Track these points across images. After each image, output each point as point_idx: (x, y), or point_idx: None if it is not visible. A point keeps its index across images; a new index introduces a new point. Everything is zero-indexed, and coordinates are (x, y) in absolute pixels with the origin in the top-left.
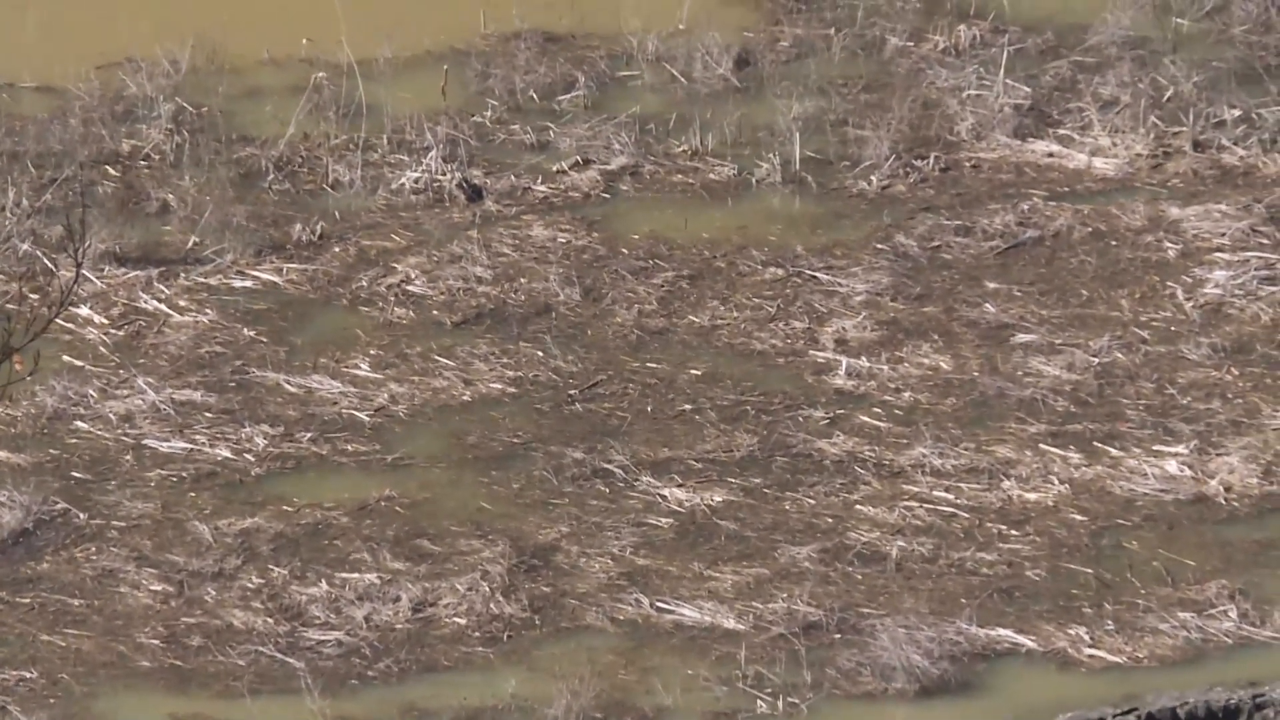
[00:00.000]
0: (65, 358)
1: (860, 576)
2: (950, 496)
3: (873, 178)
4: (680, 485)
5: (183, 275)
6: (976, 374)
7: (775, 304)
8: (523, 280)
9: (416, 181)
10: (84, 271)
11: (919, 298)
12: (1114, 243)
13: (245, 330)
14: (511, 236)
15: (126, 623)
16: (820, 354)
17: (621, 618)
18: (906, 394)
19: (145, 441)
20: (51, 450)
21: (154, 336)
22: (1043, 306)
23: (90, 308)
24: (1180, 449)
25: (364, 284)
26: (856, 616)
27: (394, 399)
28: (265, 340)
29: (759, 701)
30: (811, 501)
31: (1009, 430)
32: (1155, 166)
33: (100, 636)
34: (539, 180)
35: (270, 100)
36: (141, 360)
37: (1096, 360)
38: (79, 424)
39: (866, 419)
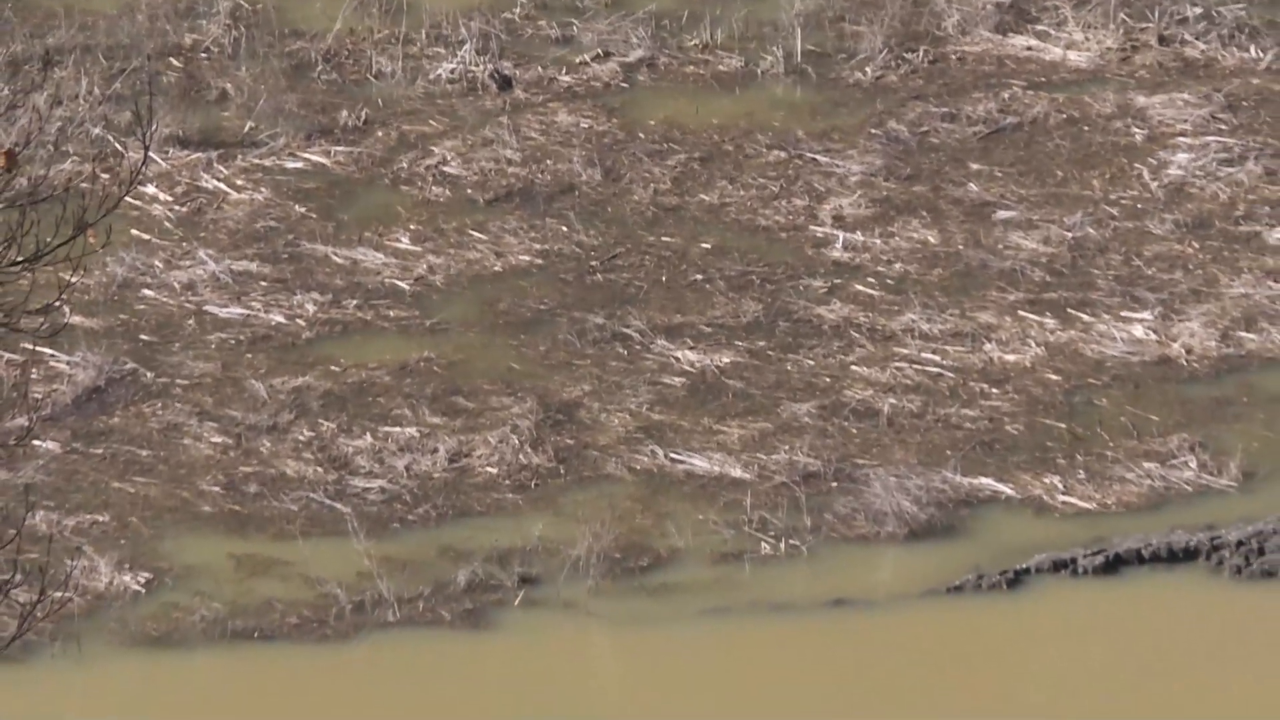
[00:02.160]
0: (134, 232)
1: (855, 430)
2: (937, 358)
3: (867, 69)
4: (692, 348)
5: (240, 157)
6: (961, 247)
7: (778, 184)
8: (549, 162)
9: (452, 72)
10: (150, 154)
11: (909, 178)
12: (1086, 128)
13: (296, 207)
14: (539, 122)
15: (189, 471)
16: (819, 229)
17: (638, 467)
18: (897, 265)
19: (206, 307)
20: (121, 315)
21: (214, 213)
22: (1021, 186)
23: (156, 186)
24: (1146, 315)
25: (404, 165)
26: (851, 467)
27: (431, 269)
28: (314, 216)
29: (763, 544)
30: (811, 363)
31: (990, 298)
32: (1124, 59)
33: (166, 484)
34: (564, 71)
35: None
36: (202, 234)
37: (1070, 234)
38: (146, 292)
39: (861, 288)
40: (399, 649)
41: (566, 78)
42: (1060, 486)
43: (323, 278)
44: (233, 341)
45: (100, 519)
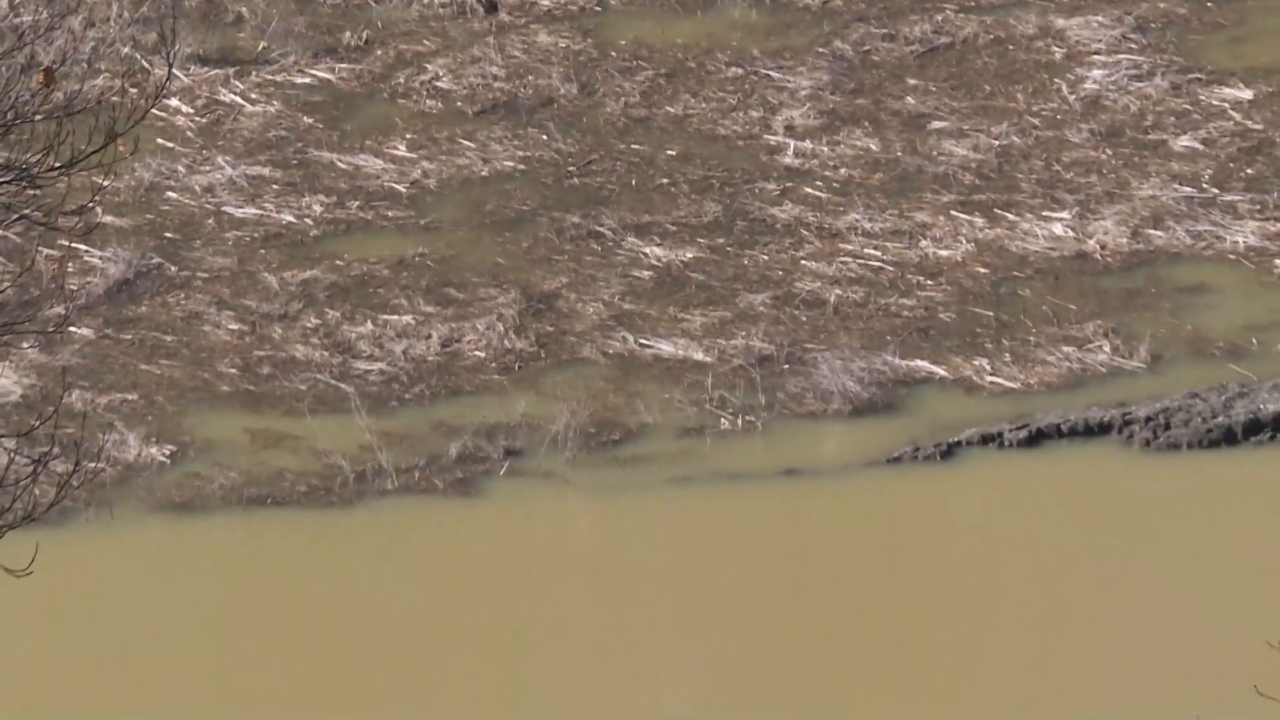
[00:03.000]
0: (159, 141)
1: (804, 318)
2: (878, 253)
3: None
4: (658, 244)
5: (254, 73)
6: (899, 154)
7: (736, 97)
8: (530, 77)
9: None
10: (174, 70)
11: (853, 92)
12: (1011, 47)
13: (304, 118)
14: (521, 42)
15: (209, 355)
16: (772, 138)
17: (611, 352)
18: (842, 170)
19: (224, 208)
20: (148, 215)
21: (230, 123)
22: (953, 99)
23: (179, 100)
24: (1064, 214)
25: (401, 81)
26: (801, 351)
27: (425, 174)
28: (321, 126)
29: (722, 420)
30: (765, 257)
31: (925, 199)
32: None
33: (188, 366)
34: None
35: None
36: (220, 142)
37: (996, 142)
38: (170, 194)
39: (810, 190)
40: (397, 514)
41: (546, 2)
42: (988, 368)
43: (328, 181)
44: (248, 239)
45: (129, 397)
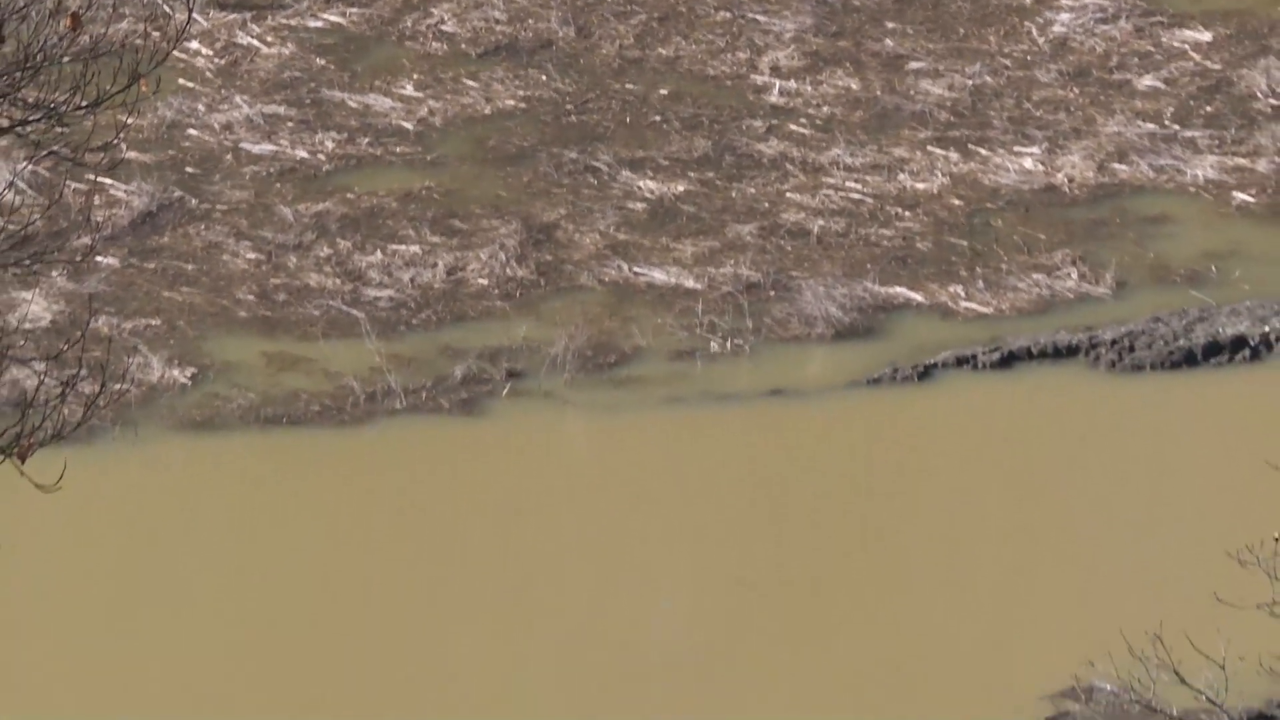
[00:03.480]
0: (180, 81)
1: (789, 248)
2: (858, 186)
3: None
4: (651, 178)
5: (269, 17)
6: (879, 93)
7: (724, 39)
8: (530, 21)
9: None
10: (194, 15)
11: (835, 35)
12: None
13: (317, 60)
14: None
15: (228, 282)
16: (759, 78)
17: (607, 279)
18: (825, 108)
19: (241, 144)
20: (170, 151)
21: (247, 65)
22: (929, 41)
23: (199, 43)
24: (1034, 149)
25: (408, 24)
26: (787, 278)
27: (431, 112)
28: (333, 67)
29: (712, 343)
30: (752, 190)
31: (903, 136)
32: None
33: (208, 293)
34: None
35: None
36: (238, 83)
37: (970, 82)
38: (191, 131)
39: (795, 127)
40: (405, 432)
41: None
42: (962, 294)
43: (340, 119)
44: (264, 173)
45: (153, 323)
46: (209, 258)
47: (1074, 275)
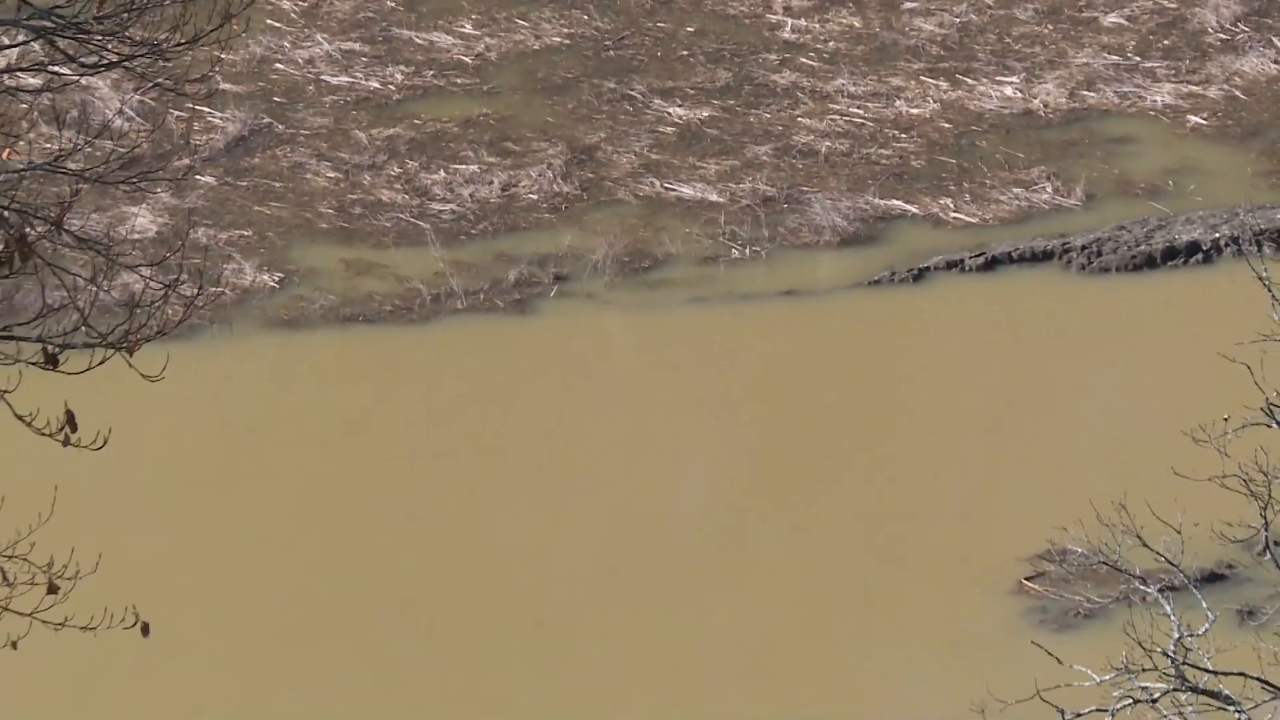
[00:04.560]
0: (268, 21)
1: (800, 166)
2: (860, 112)
3: None
4: (680, 105)
5: None
6: (878, 29)
7: None
8: None
9: None
10: None
11: None
12: None
13: (388, 2)
14: None
15: (311, 198)
16: (773, 16)
17: (641, 194)
18: (831, 43)
19: (322, 77)
20: (259, 83)
21: (327, 6)
22: None
23: None
24: (1014, 79)
25: None
26: (798, 192)
27: (488, 48)
28: (401, 9)
29: (733, 250)
30: (768, 116)
31: (899, 67)
32: None
33: (293, 207)
34: None
35: None
36: (319, 22)
37: (958, 20)
38: (278, 65)
39: (805, 60)
40: (465, 329)
41: None
42: (951, 206)
43: (407, 54)
44: (341, 102)
45: (245, 233)
46: (294, 176)
47: (1049, 189)
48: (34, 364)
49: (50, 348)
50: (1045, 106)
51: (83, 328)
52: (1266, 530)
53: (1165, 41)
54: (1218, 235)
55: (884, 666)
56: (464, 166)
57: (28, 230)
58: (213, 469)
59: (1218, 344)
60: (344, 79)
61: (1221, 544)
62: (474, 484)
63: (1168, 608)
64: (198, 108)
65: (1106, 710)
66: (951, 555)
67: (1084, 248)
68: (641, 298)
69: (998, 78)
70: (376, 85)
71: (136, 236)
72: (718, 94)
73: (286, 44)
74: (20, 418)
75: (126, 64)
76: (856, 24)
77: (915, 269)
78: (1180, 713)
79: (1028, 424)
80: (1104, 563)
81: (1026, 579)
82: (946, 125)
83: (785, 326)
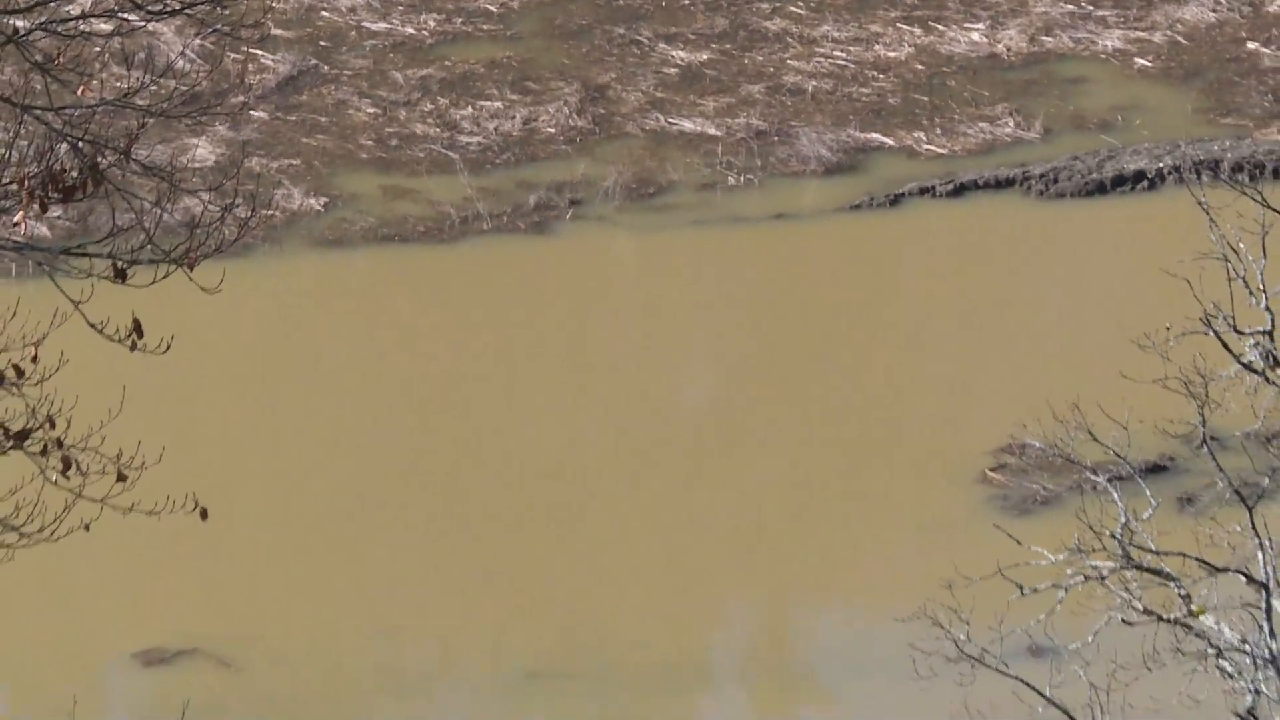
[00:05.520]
0: None
1: (790, 102)
2: (843, 55)
3: None
4: (682, 49)
5: None
6: None
7: None
8: None
9: None
10: None
11: None
12: None
13: None
14: None
15: (353, 131)
16: None
17: (647, 128)
18: None
19: (362, 23)
20: (306, 28)
21: None
22: None
23: None
24: (980, 25)
25: None
26: (787, 127)
27: None
28: None
29: (729, 177)
30: (760, 58)
31: (878, 15)
32: None
33: (337, 139)
34: None
35: None
36: None
37: None
38: (323, 13)
39: (794, 9)
40: (490, 248)
41: None
42: (924, 139)
43: (439, 3)
44: (380, 46)
45: (293, 162)
46: (337, 112)
47: (1011, 124)
48: (105, 278)
49: (119, 264)
50: (1008, 50)
51: (148, 246)
52: (1204, 426)
53: None
54: (1161, 165)
55: (863, 545)
56: (489, 103)
57: (100, 159)
58: (264, 371)
59: (1161, 261)
60: (382, 25)
61: (1163, 439)
62: (498, 382)
63: (1116, 495)
64: (252, 50)
65: (1060, 586)
66: (924, 448)
67: (1042, 175)
68: (647, 220)
69: (965, 24)
70: (411, 31)
71: (197, 165)
72: (716, 39)
73: None
74: (93, 326)
75: (188, 11)
76: None
77: (891, 194)
78: (1126, 588)
79: (991, 332)
80: (1059, 455)
81: (990, 470)
82: (920, 67)
83: (775, 246)
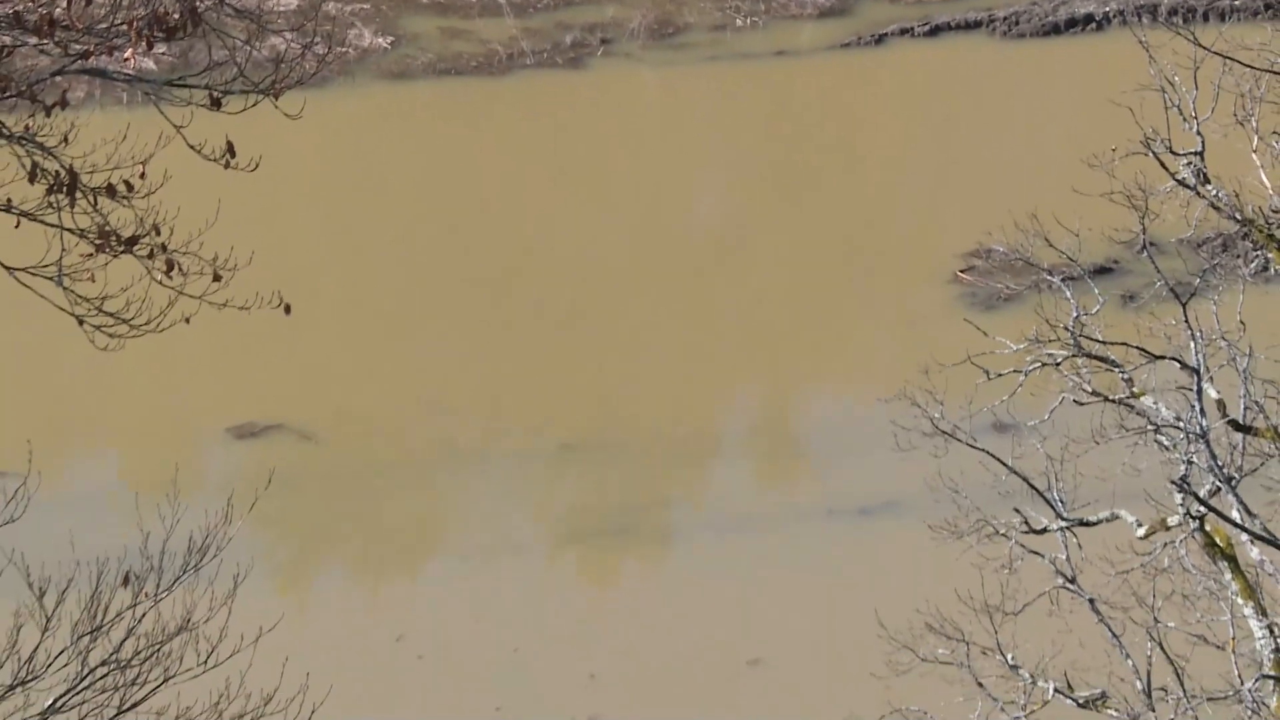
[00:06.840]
0: None
1: None
2: None
3: None
4: None
5: None
6: None
7: None
8: None
9: None
10: None
11: None
12: None
13: None
14: None
15: None
16: None
17: None
18: None
19: None
20: None
21: None
22: None
23: None
24: None
25: None
26: None
27: None
28: None
29: (737, 20)
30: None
31: None
32: None
33: None
34: None
35: None
36: None
37: None
38: None
39: None
40: (533, 80)
41: None
42: None
43: None
44: None
45: (364, 5)
46: None
47: None
48: (202, 106)
49: (215, 93)
50: None
51: (240, 78)
52: (1144, 234)
53: None
54: (1108, 9)
55: (851, 336)
56: None
57: (198, 3)
58: (339, 186)
59: (1107, 92)
60: None
61: (1110, 245)
62: (539, 194)
63: (1068, 293)
64: None
65: (1021, 371)
66: (903, 253)
67: (1005, 18)
68: (667, 56)
69: None
70: None
71: (281, 9)
72: None
73: None
74: (192, 147)
75: None
76: None
77: (876, 34)
78: (1078, 373)
79: (961, 153)
80: (1020, 258)
81: (960, 271)
82: None
83: (777, 79)
